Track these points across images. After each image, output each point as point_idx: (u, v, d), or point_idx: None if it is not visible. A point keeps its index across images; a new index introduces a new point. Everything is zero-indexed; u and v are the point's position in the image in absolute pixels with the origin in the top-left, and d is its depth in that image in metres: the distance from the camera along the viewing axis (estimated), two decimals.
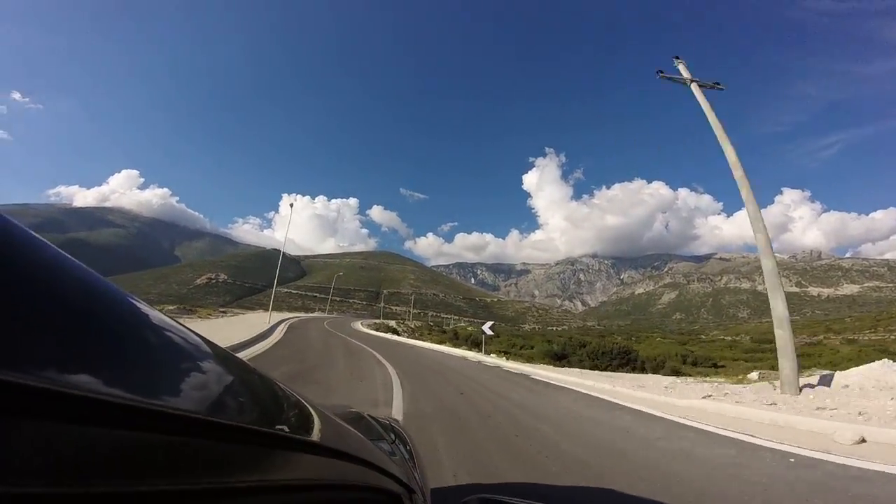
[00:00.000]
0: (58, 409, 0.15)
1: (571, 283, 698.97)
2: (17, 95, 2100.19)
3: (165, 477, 0.21)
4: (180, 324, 0.34)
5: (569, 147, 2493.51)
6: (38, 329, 0.17)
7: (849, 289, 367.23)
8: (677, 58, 10.94)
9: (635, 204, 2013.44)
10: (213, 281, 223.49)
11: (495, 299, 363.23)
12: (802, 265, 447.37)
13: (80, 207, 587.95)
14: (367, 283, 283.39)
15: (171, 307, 32.04)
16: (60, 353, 0.17)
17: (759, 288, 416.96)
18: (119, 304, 0.27)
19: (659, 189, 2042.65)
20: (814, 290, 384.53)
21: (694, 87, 10.52)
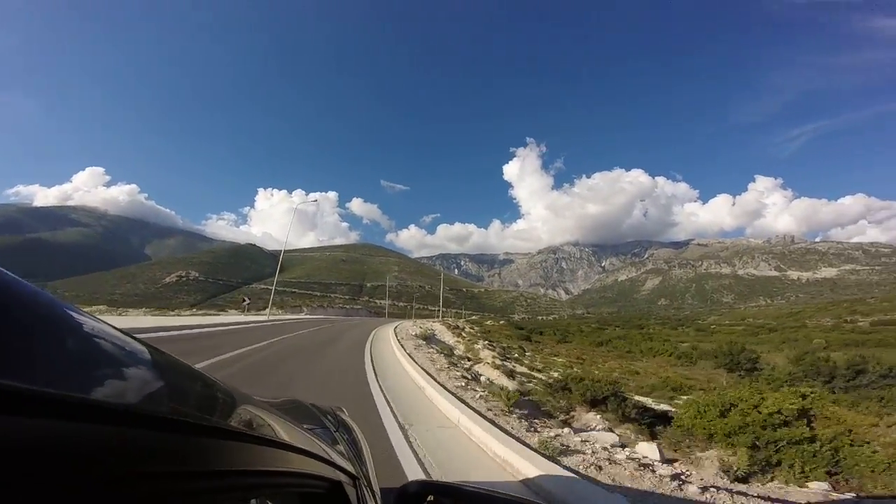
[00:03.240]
0: None
1: (554, 272, 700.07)
2: None
3: (84, 468, 0.21)
4: (100, 320, 0.34)
5: (549, 137, 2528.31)
6: None
7: (827, 272, 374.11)
8: None
9: (615, 192, 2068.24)
10: (184, 279, 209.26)
11: (482, 289, 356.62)
12: (780, 249, 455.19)
13: (41, 207, 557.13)
14: (350, 277, 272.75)
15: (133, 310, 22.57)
16: None
17: (741, 272, 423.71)
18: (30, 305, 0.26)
19: (638, 177, 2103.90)
20: (793, 274, 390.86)
21: None
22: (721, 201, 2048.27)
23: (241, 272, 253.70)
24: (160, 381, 0.35)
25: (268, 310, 31.03)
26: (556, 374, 12.45)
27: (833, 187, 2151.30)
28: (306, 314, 45.59)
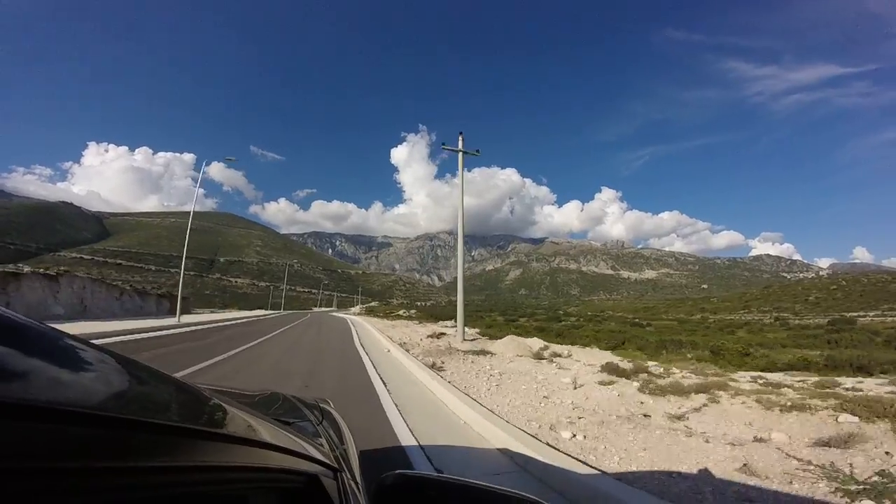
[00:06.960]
0: None
1: (430, 258, 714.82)
2: None
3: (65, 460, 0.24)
4: (54, 328, 0.37)
5: (440, 127, 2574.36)
6: None
7: (649, 274, 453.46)
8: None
9: (490, 188, 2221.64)
10: None
11: (359, 271, 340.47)
12: (615, 252, 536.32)
13: None
14: (198, 249, 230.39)
15: None
16: None
17: (584, 269, 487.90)
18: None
19: (511, 176, 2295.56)
20: (625, 274, 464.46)
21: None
22: (572, 206, 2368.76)
23: (47, 236, 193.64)
24: (117, 383, 0.37)
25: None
26: None
27: (656, 203, 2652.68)
28: None
